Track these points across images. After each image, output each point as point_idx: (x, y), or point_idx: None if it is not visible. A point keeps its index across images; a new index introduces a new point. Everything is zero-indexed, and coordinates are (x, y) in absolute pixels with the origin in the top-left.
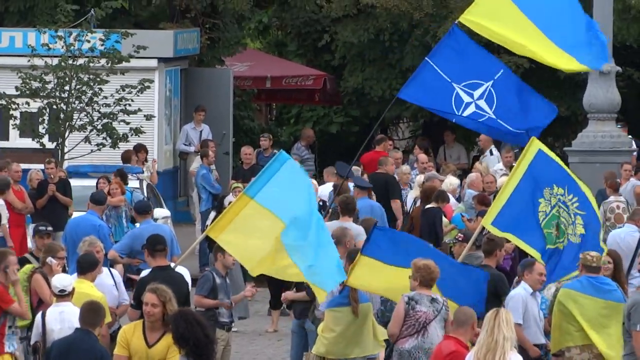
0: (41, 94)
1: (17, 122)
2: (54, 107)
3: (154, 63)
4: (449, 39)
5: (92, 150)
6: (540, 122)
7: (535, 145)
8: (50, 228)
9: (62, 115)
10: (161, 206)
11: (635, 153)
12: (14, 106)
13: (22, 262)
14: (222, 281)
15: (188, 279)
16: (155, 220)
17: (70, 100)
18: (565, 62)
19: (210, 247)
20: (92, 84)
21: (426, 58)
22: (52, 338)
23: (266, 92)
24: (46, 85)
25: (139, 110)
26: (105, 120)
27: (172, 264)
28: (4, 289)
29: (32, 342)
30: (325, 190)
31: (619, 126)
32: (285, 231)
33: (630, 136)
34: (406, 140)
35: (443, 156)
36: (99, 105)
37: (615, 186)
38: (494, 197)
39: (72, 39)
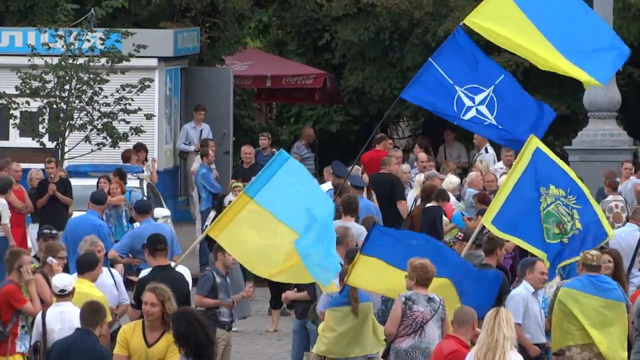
0: (41, 94)
1: (17, 121)
2: (54, 106)
3: (154, 62)
4: (453, 41)
5: (92, 150)
6: (541, 126)
7: (533, 143)
8: (55, 231)
9: (62, 115)
10: (161, 205)
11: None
12: (14, 105)
13: None
14: (223, 280)
15: (189, 278)
16: (156, 219)
17: (71, 99)
18: (568, 69)
19: (210, 246)
20: (92, 83)
21: (430, 59)
22: (52, 338)
23: (266, 91)
24: (46, 85)
25: (139, 109)
26: (105, 120)
27: (173, 264)
28: (18, 289)
29: (32, 342)
30: (325, 188)
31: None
32: (300, 240)
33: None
34: (406, 139)
35: (443, 155)
36: (99, 104)
37: (614, 185)
38: (495, 195)
39: (72, 38)
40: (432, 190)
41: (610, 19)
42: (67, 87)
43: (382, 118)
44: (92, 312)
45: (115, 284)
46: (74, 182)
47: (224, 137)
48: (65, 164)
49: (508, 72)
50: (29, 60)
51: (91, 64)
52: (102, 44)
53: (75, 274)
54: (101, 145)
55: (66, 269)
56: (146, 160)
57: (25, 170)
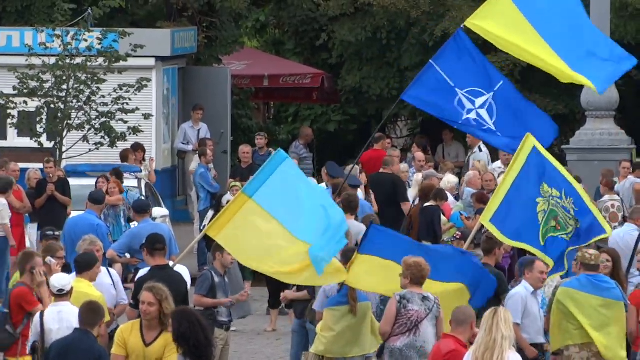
0: (39, 93)
1: (15, 121)
2: (52, 106)
3: (151, 62)
4: (454, 43)
5: (90, 150)
6: (543, 131)
7: (530, 142)
8: (57, 233)
9: (59, 115)
10: (159, 205)
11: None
12: (11, 105)
13: None
14: (221, 280)
15: (187, 277)
16: (154, 219)
17: (68, 99)
18: (567, 72)
19: (208, 246)
20: (89, 83)
21: (430, 60)
22: (50, 338)
23: (264, 91)
24: (44, 85)
25: (137, 109)
26: (103, 120)
27: (171, 263)
28: (29, 291)
29: (30, 342)
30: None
31: None
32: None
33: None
34: (404, 138)
35: (441, 154)
36: (96, 104)
37: (611, 185)
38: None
39: (69, 38)
40: (430, 189)
41: (608, 17)
42: (64, 87)
43: (381, 118)
44: (90, 312)
45: (114, 283)
46: (72, 181)
47: (221, 136)
48: (63, 163)
49: (506, 72)
50: (27, 60)
51: (89, 63)
52: (100, 44)
53: (74, 273)
54: (99, 145)
55: (67, 269)
56: (144, 160)
57: (23, 170)
